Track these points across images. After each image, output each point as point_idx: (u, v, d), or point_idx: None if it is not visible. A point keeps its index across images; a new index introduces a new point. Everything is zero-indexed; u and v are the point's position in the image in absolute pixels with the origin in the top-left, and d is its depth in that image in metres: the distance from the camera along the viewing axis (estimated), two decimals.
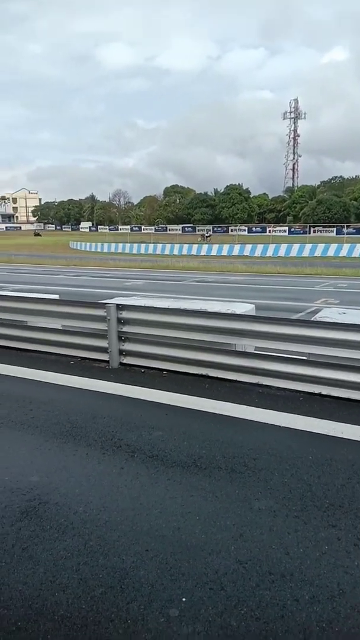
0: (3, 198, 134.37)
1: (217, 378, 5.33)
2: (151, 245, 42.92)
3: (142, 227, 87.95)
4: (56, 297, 7.29)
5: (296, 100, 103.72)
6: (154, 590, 2.27)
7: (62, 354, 6.38)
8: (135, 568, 2.42)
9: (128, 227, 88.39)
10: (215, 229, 76.21)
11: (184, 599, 2.22)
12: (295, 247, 35.77)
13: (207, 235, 49.74)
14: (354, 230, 57.31)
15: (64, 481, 3.26)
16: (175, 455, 3.61)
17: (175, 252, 40.00)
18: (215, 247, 38.86)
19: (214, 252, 38.27)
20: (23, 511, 2.90)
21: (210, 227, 43.80)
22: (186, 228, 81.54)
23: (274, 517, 2.84)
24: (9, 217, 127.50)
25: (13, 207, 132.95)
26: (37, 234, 40.87)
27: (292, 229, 65.41)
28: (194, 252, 38.89)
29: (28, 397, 4.94)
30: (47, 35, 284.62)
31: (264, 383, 5.09)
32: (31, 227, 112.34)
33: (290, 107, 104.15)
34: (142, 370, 5.78)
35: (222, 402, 4.67)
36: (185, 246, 40.67)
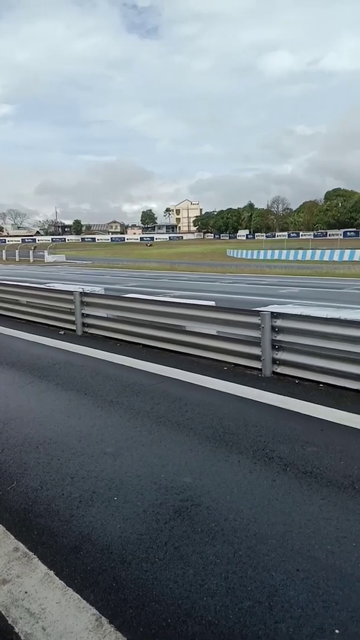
0: (167, 210, 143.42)
1: None
2: (309, 252, 41.61)
3: (300, 233, 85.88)
4: (212, 303, 7.49)
5: None
6: (304, 614, 2.16)
7: (216, 359, 6.52)
8: (284, 587, 2.33)
9: (285, 233, 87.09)
10: None
11: (337, 631, 2.06)
12: None
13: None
14: None
15: (215, 486, 3.30)
16: (331, 475, 3.41)
17: (336, 258, 38.17)
18: None
19: None
20: (176, 510, 3.01)
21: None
22: (348, 232, 77.32)
23: None
24: (172, 228, 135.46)
25: (176, 218, 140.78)
26: (149, 245, 40.73)
27: None
28: (356, 258, 36.65)
29: (184, 398, 5.14)
30: (211, 52, 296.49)
31: None
32: (192, 237, 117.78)
33: None
34: (296, 381, 5.60)
35: None
36: (347, 252, 38.55)
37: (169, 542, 2.70)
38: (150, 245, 45.16)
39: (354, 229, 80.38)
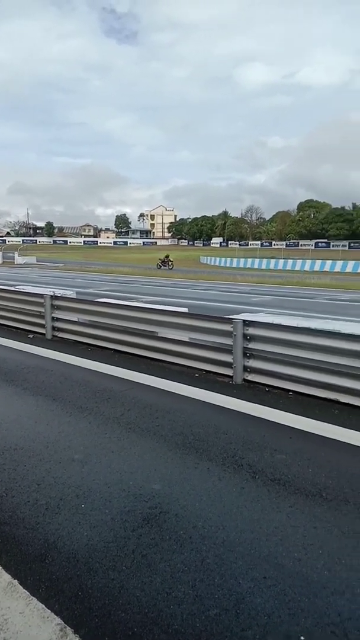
0: (142, 215, 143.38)
1: (348, 404, 5.01)
2: (281, 261, 42.27)
3: (273, 242, 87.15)
4: (185, 310, 7.51)
5: None
6: (270, 621, 2.17)
7: (188, 366, 6.53)
8: (252, 594, 2.33)
9: (258, 242, 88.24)
10: (352, 244, 72.62)
11: (302, 638, 2.08)
12: None
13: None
14: None
15: (184, 493, 3.29)
16: (299, 482, 3.45)
17: (307, 268, 38.88)
18: (351, 263, 36.94)
19: (349, 269, 36.41)
20: (145, 518, 2.99)
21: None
22: (319, 243, 78.88)
23: None
24: (146, 233, 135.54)
25: (150, 224, 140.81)
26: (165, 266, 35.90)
27: None
28: (327, 268, 37.42)
29: (155, 405, 5.12)
30: (188, 60, 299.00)
31: None
32: (166, 243, 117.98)
33: None
34: (267, 389, 5.66)
35: (354, 431, 4.37)
36: (318, 262, 39.32)
37: (137, 550, 2.67)
38: (171, 266, 38.55)
39: (325, 240, 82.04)
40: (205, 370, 6.35)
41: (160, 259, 39.32)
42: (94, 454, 3.91)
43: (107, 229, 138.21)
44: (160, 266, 38.05)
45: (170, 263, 38.33)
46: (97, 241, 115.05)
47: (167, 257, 39.41)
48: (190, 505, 3.13)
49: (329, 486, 3.39)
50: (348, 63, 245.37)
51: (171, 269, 36.87)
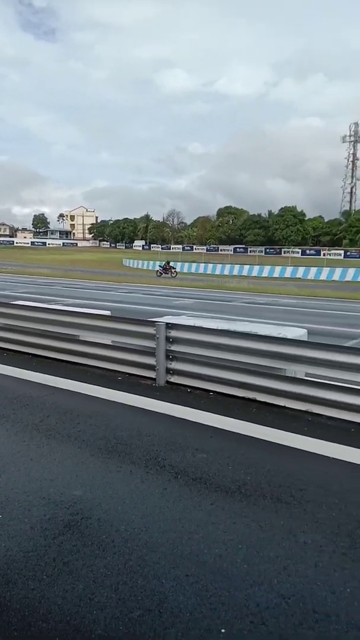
0: (61, 215, 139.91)
1: (265, 403, 5.23)
2: (202, 265, 43.19)
3: (194, 247, 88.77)
4: (108, 313, 7.44)
5: (356, 124, 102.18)
6: (192, 617, 2.22)
7: (111, 369, 6.47)
8: (174, 593, 2.37)
9: (180, 246, 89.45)
10: (268, 250, 75.84)
11: (223, 630, 2.15)
12: (351, 271, 34.96)
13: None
14: None
15: (107, 497, 3.27)
16: (220, 480, 3.55)
17: (226, 272, 40.04)
18: (267, 268, 38.65)
19: (265, 274, 38.04)
20: (66, 525, 2.93)
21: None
22: (238, 248, 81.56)
23: (320, 552, 2.73)
24: (66, 234, 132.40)
25: (70, 224, 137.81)
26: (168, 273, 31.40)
27: (349, 253, 63.96)
28: (245, 272, 38.80)
29: (76, 409, 5.02)
30: (109, 62, 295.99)
31: (314, 411, 4.94)
32: (87, 244, 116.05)
33: (350, 131, 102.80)
34: (189, 390, 5.77)
35: (270, 429, 4.57)
36: (237, 266, 40.66)
37: (58, 558, 2.61)
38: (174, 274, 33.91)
39: (243, 246, 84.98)
40: (128, 374, 6.34)
41: (160, 266, 34.85)
42: (11, 462, 3.77)
43: (24, 229, 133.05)
44: (161, 274, 33.15)
45: (173, 271, 33.54)
46: (13, 241, 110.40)
47: (167, 263, 34.72)
48: (113, 509, 3.12)
49: (248, 482, 3.52)
50: (264, 76, 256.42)
51: (174, 276, 32.43)
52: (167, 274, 32.73)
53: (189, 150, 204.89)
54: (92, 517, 3.02)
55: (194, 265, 43.60)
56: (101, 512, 3.08)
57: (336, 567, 2.60)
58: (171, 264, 34.44)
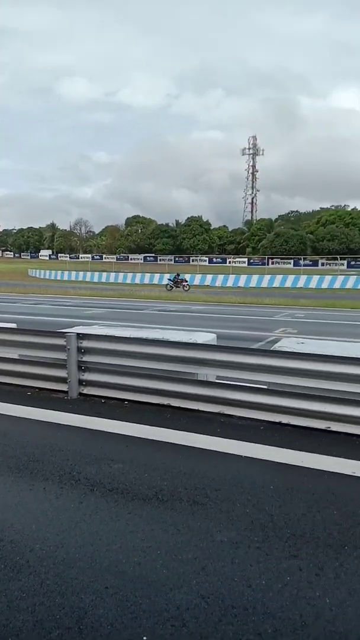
0: None
1: (179, 408, 5.31)
2: (112, 274, 42.96)
3: (104, 256, 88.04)
4: (14, 325, 7.15)
5: (254, 137, 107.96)
6: (114, 629, 2.19)
7: (19, 384, 6.21)
8: (94, 607, 2.32)
9: (89, 255, 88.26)
10: (177, 259, 77.27)
11: (144, 638, 2.14)
12: (255, 277, 36.70)
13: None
14: (311, 262, 59.57)
15: (19, 517, 3.13)
16: (136, 488, 3.55)
17: (137, 281, 40.17)
18: None
19: None
20: None
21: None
22: (148, 257, 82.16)
23: (235, 549, 2.82)
24: None
25: None
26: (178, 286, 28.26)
27: (252, 261, 67.09)
28: (155, 281, 39.15)
29: None
30: (6, 67, 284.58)
31: (225, 412, 5.11)
32: None
33: (249, 144, 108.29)
34: (103, 401, 5.70)
35: (184, 432, 4.65)
36: (147, 275, 40.93)
37: None
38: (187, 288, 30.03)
39: (153, 254, 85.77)
40: (38, 388, 6.12)
41: (170, 279, 31.41)
42: None
43: None
44: (172, 287, 29.91)
45: (185, 284, 29.98)
46: None
47: (177, 275, 31.22)
48: (27, 529, 2.99)
49: (164, 488, 3.55)
50: (166, 88, 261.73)
51: (187, 290, 29.01)
52: (179, 287, 29.82)
53: (94, 159, 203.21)
54: (4, 539, 2.87)
55: (104, 274, 43.20)
56: (14, 533, 2.94)
57: (252, 562, 2.70)
58: (181, 276, 31.27)
